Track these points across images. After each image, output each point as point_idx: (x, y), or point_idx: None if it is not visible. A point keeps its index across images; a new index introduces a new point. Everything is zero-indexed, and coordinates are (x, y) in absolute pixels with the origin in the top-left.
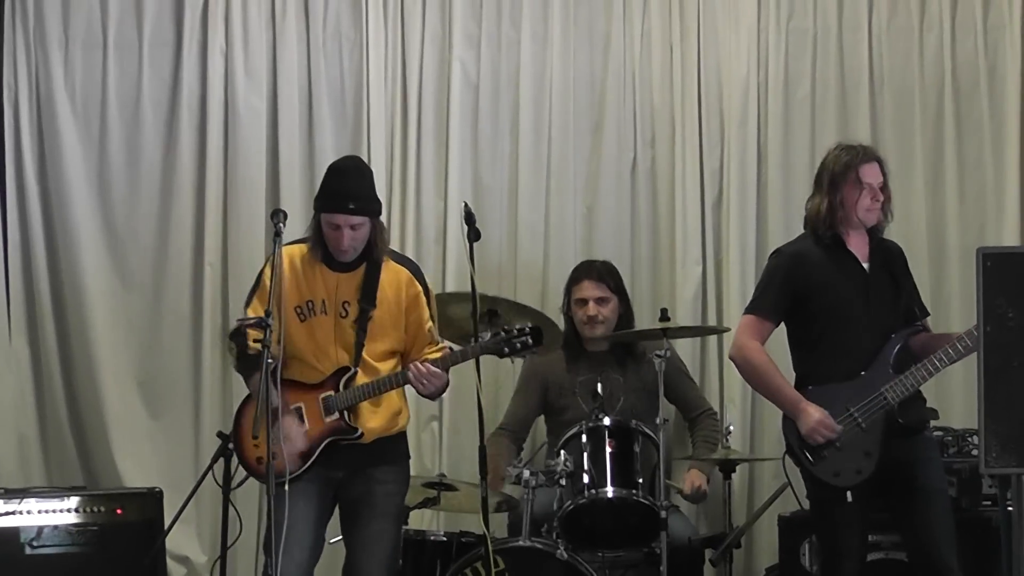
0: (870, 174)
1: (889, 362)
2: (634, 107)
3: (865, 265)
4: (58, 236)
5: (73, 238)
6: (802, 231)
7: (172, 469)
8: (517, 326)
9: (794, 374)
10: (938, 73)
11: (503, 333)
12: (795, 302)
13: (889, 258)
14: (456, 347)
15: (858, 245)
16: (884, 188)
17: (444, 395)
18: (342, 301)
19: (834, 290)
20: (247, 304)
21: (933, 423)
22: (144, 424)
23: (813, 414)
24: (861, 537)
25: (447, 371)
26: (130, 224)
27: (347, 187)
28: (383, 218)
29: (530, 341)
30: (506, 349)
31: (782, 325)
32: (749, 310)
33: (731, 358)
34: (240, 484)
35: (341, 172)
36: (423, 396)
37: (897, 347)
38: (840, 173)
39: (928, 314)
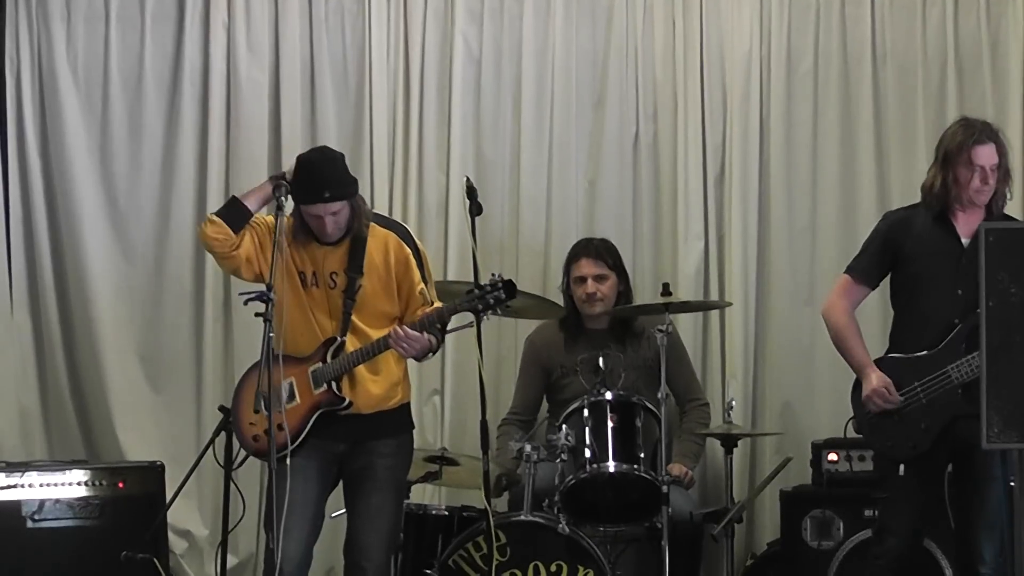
0: (983, 156)
1: (963, 340)
2: (636, 82)
3: (965, 241)
4: (60, 210)
5: (75, 212)
6: (804, 205)
7: (174, 443)
8: (489, 280)
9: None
10: (941, 47)
11: (476, 290)
12: (890, 267)
13: None
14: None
15: (967, 221)
16: (999, 168)
17: (446, 370)
18: (330, 272)
19: (924, 261)
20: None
21: None
22: (146, 398)
23: (873, 381)
24: (912, 514)
25: (427, 332)
26: (132, 198)
27: (319, 177)
28: (386, 191)
29: (503, 295)
30: (480, 305)
31: None
32: (847, 270)
33: (821, 314)
34: (241, 464)
35: (311, 164)
36: (408, 357)
37: (974, 326)
38: (954, 151)
39: None
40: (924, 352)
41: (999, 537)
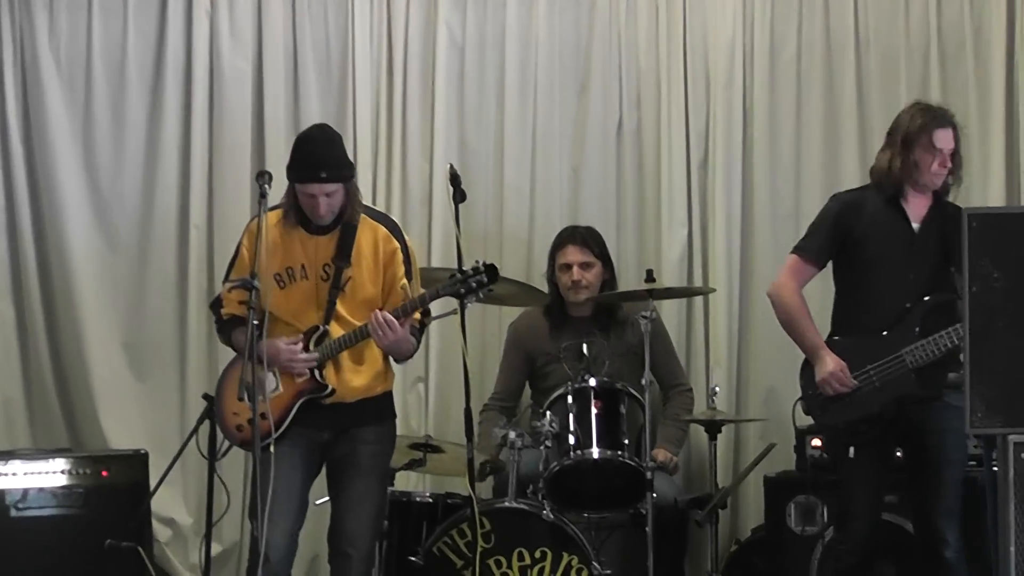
0: (943, 139)
1: (916, 324)
2: (620, 69)
3: (916, 225)
4: (43, 198)
5: (58, 200)
6: (787, 191)
7: (158, 431)
8: (472, 265)
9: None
10: (924, 35)
11: (458, 274)
12: (840, 249)
13: (947, 222)
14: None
15: (917, 205)
16: (955, 154)
17: (431, 357)
18: (323, 264)
19: (876, 243)
20: (225, 277)
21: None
22: (129, 386)
23: (829, 364)
24: (872, 496)
25: (404, 318)
26: (115, 186)
27: (317, 156)
28: (369, 179)
29: (485, 279)
30: (462, 289)
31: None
32: (795, 250)
33: (768, 295)
34: (225, 454)
35: (310, 141)
36: (386, 351)
37: (929, 310)
38: (915, 134)
39: None
40: (876, 335)
41: (959, 520)
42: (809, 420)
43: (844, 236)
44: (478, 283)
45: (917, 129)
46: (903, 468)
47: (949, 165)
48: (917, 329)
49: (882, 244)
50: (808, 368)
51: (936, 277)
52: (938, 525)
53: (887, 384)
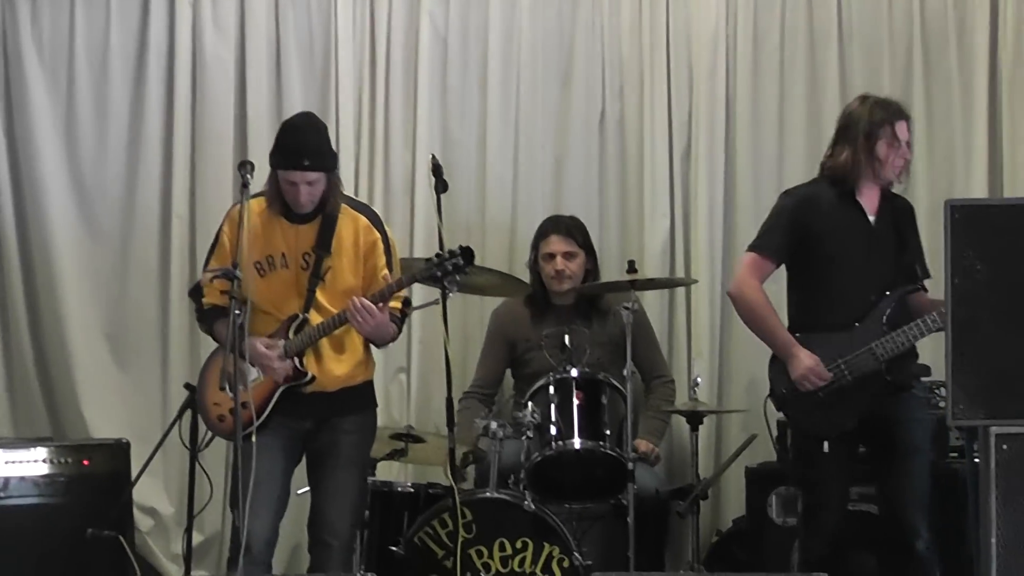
0: (903, 131)
1: (883, 317)
2: (602, 59)
3: (871, 218)
4: (25, 188)
5: (40, 190)
6: (770, 181)
7: (139, 421)
8: (448, 249)
9: (787, 317)
10: (907, 26)
11: (435, 258)
12: (798, 245)
13: (898, 215)
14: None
15: (869, 198)
16: (909, 145)
17: (413, 347)
18: (303, 253)
19: (836, 238)
20: (205, 265)
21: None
22: (111, 375)
23: (805, 360)
24: (841, 488)
25: (382, 303)
26: (98, 176)
27: (302, 144)
28: (351, 169)
29: (461, 261)
30: (438, 273)
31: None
32: (752, 248)
33: (729, 294)
34: (207, 444)
35: (295, 129)
36: (366, 337)
37: (894, 303)
38: (877, 127)
39: (929, 276)
40: (845, 329)
41: (928, 510)
42: (764, 420)
43: (802, 232)
44: (454, 266)
45: (879, 122)
46: (867, 459)
47: (909, 157)
48: (885, 321)
49: (842, 238)
50: (777, 366)
51: (895, 269)
52: (909, 516)
53: (858, 378)
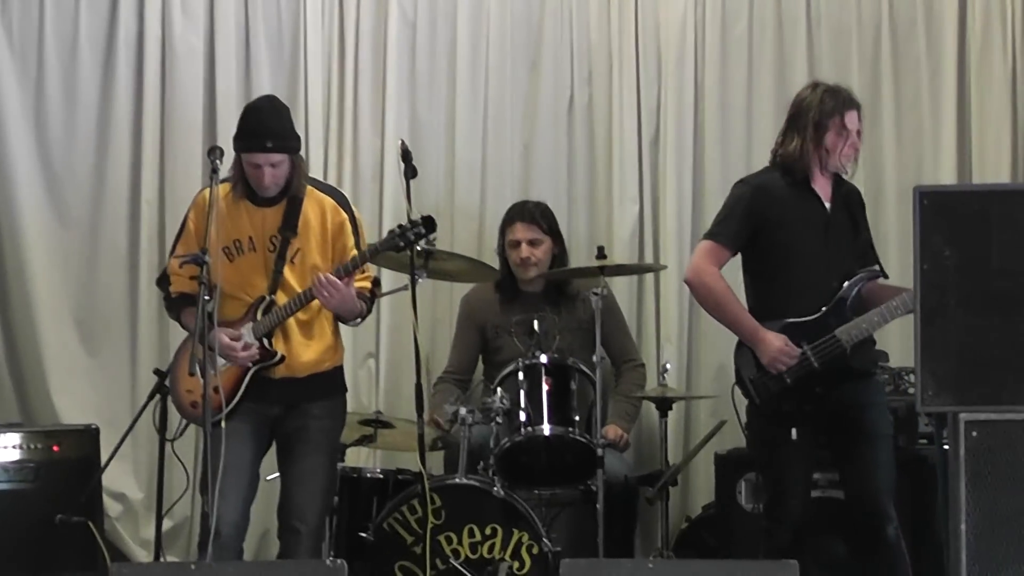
0: (852, 121)
1: (847, 304)
2: (571, 44)
3: (827, 205)
4: None
5: (9, 176)
6: (738, 168)
7: (109, 406)
8: (410, 219)
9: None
10: (875, 11)
11: (397, 228)
12: (754, 234)
13: (850, 201)
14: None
15: (822, 185)
16: (859, 134)
17: (381, 333)
18: (269, 236)
19: (793, 226)
20: (171, 252)
21: (880, 364)
22: (81, 361)
23: (774, 342)
24: (806, 475)
25: (347, 277)
26: (67, 161)
27: (263, 126)
28: (320, 155)
29: (423, 230)
30: (401, 243)
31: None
32: (708, 236)
33: (687, 282)
34: (181, 433)
35: (257, 111)
36: (334, 312)
37: (857, 289)
38: (826, 117)
39: (878, 261)
40: (810, 316)
41: (893, 495)
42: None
43: (758, 220)
44: (416, 235)
45: (829, 112)
46: (829, 446)
47: (859, 147)
48: (848, 311)
49: (799, 227)
50: (744, 351)
51: (852, 255)
52: (878, 502)
53: (825, 365)
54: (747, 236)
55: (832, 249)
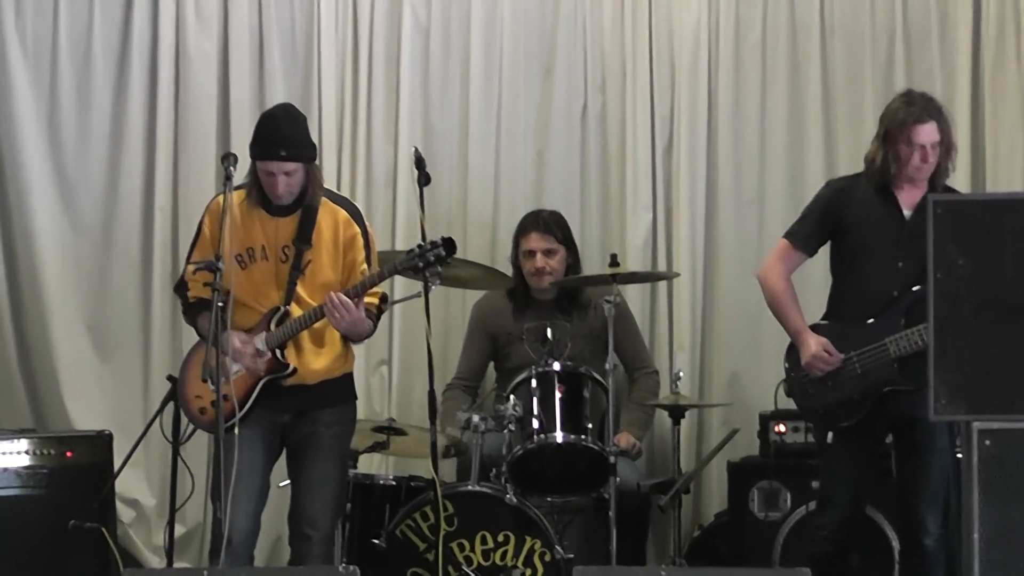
0: (923, 134)
1: (902, 314)
2: (585, 52)
3: (907, 213)
4: (8, 180)
5: (23, 182)
6: (752, 176)
7: (121, 412)
8: (430, 240)
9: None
10: (889, 20)
11: (417, 249)
12: (830, 236)
13: None
14: None
15: (911, 193)
16: (941, 144)
17: (394, 340)
18: (282, 246)
19: (865, 231)
20: (188, 258)
21: None
22: (94, 367)
23: (812, 346)
24: (852, 487)
25: (359, 298)
26: (80, 168)
27: (279, 134)
28: (334, 162)
29: (443, 252)
30: (419, 263)
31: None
32: (785, 236)
33: (757, 277)
34: (188, 437)
35: (273, 119)
36: (343, 333)
37: (915, 300)
38: (895, 129)
39: None
40: (861, 322)
41: (942, 508)
42: (774, 405)
43: (834, 223)
44: (436, 257)
45: (898, 124)
46: (888, 455)
47: (931, 160)
48: (903, 319)
49: (870, 231)
50: (794, 351)
51: (926, 267)
52: (920, 512)
53: (868, 372)
54: (823, 237)
55: (904, 258)
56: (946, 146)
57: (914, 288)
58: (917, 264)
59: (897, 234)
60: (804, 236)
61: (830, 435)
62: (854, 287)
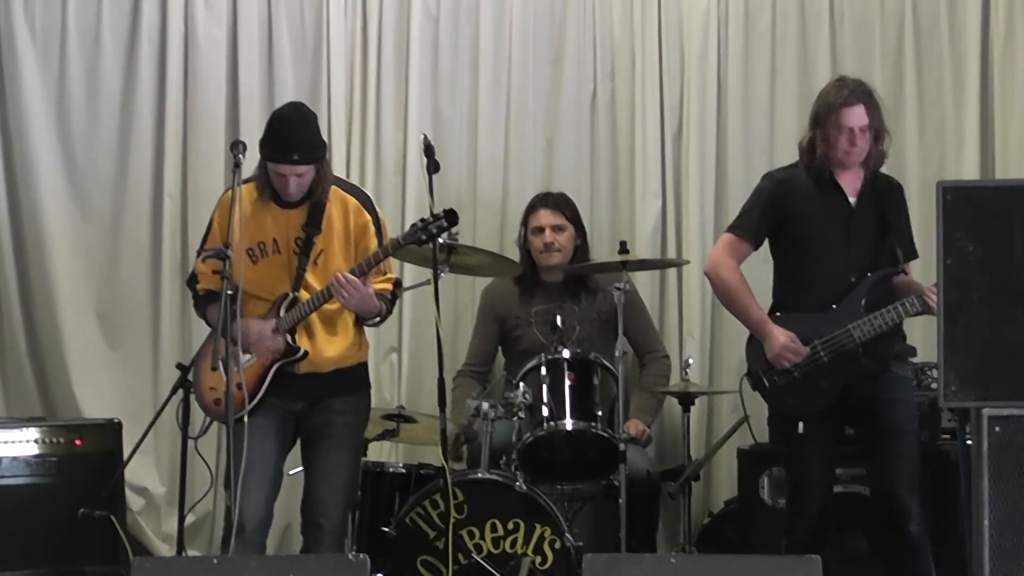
0: (851, 118)
1: (861, 300)
2: (594, 39)
3: (852, 200)
4: (17, 167)
5: (32, 169)
6: (761, 163)
7: (131, 400)
8: (432, 213)
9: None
10: (898, 6)
11: (419, 222)
12: (776, 227)
13: (882, 196)
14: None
15: (850, 180)
16: (871, 127)
17: (404, 327)
18: (294, 237)
19: (813, 220)
20: (198, 252)
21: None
22: (103, 355)
23: (779, 337)
24: (824, 471)
25: (365, 275)
26: (89, 155)
27: (291, 138)
28: (343, 150)
29: (445, 223)
30: (423, 236)
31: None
32: (729, 229)
33: (705, 274)
34: (205, 431)
35: (284, 121)
36: (353, 311)
37: (873, 285)
38: (824, 112)
39: (915, 256)
40: (822, 310)
41: (919, 490)
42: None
43: (780, 214)
44: (439, 228)
45: (827, 108)
46: (855, 441)
47: (859, 144)
48: (863, 303)
49: (820, 220)
50: (754, 344)
51: (877, 251)
52: (900, 498)
53: (835, 359)
54: (768, 229)
55: (853, 245)
56: (876, 130)
57: (868, 273)
58: (868, 249)
59: (846, 221)
60: (752, 227)
61: (800, 425)
62: (807, 278)
